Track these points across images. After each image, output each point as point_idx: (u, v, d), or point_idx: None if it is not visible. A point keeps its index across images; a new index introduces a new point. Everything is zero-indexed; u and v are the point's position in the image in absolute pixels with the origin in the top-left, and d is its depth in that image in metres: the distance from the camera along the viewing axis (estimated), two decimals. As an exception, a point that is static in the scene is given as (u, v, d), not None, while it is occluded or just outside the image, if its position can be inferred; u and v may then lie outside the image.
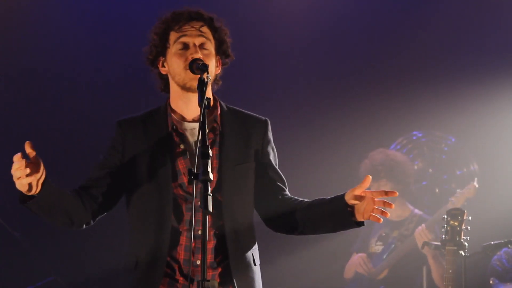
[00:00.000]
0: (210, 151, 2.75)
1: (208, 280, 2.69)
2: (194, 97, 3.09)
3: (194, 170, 2.77)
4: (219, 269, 3.12)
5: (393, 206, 2.96)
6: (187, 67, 3.10)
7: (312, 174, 6.31)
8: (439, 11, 6.64)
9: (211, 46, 3.18)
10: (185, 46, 3.15)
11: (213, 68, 3.18)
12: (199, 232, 3.06)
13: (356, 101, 6.68)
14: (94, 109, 6.31)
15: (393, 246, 5.95)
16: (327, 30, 6.78)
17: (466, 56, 6.56)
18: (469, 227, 4.72)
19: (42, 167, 2.88)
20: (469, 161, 6.45)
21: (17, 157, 2.83)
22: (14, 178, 2.87)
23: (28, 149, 2.85)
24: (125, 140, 3.19)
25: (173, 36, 3.18)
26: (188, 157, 3.14)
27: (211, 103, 3.19)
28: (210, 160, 2.75)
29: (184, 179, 3.11)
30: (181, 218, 3.11)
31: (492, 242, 4.81)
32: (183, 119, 3.19)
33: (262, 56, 6.59)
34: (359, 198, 3.00)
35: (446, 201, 5.50)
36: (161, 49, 3.20)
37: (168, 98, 3.24)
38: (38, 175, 2.87)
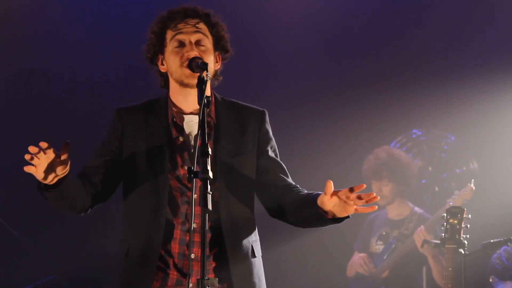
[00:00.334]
0: (209, 150, 2.76)
1: (208, 279, 2.69)
2: (192, 92, 3.10)
3: (194, 168, 2.77)
4: (216, 262, 3.11)
5: (378, 198, 2.91)
6: (183, 65, 3.11)
7: (313, 172, 6.31)
8: (439, 9, 6.65)
9: (208, 42, 3.19)
10: (181, 44, 3.16)
11: (212, 64, 3.18)
12: (194, 225, 3.05)
13: (356, 100, 6.68)
14: (94, 108, 6.32)
15: (393, 246, 5.95)
16: (327, 29, 6.79)
17: (466, 55, 6.56)
18: (468, 225, 4.72)
19: (67, 166, 2.87)
20: (468, 159, 6.45)
21: (34, 149, 2.80)
22: (28, 158, 2.81)
23: (65, 149, 2.84)
24: (124, 128, 3.19)
25: (169, 34, 3.19)
26: (186, 150, 3.15)
27: (211, 99, 3.22)
28: (209, 158, 2.75)
29: (181, 172, 3.12)
30: (176, 210, 3.11)
31: (491, 240, 4.81)
32: (182, 112, 3.20)
33: (262, 55, 6.59)
34: (331, 201, 2.93)
35: (444, 202, 5.48)
36: (159, 48, 3.22)
37: (169, 90, 3.26)
38: (60, 171, 2.86)
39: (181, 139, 3.17)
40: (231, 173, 3.14)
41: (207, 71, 2.98)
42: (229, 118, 3.22)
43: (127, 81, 6.36)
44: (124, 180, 3.20)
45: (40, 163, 2.81)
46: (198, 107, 2.86)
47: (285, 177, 3.23)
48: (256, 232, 3.24)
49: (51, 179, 2.87)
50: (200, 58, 3.09)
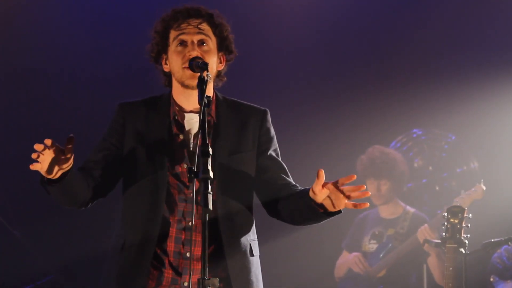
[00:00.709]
0: (210, 150, 2.76)
1: (209, 278, 2.69)
2: (194, 92, 3.10)
3: (194, 168, 2.77)
4: (213, 260, 3.05)
5: (369, 193, 2.91)
6: (185, 65, 3.11)
7: (313, 172, 6.30)
8: (439, 8, 6.64)
9: (211, 43, 3.18)
10: (183, 44, 3.16)
11: (214, 65, 3.18)
12: (190, 223, 3.08)
13: (356, 99, 6.68)
14: (94, 107, 6.32)
15: (390, 245, 5.94)
16: (328, 28, 6.78)
17: (466, 54, 6.55)
18: (469, 225, 4.72)
19: (71, 160, 2.87)
20: (469, 159, 6.44)
21: (39, 147, 2.79)
22: (35, 156, 2.81)
23: (69, 143, 2.84)
24: (126, 123, 3.19)
25: (172, 34, 3.19)
26: (185, 148, 3.15)
27: (213, 98, 3.22)
28: (210, 158, 2.75)
29: (180, 169, 3.12)
30: (173, 208, 3.11)
31: (492, 240, 4.80)
32: (183, 110, 3.20)
33: (262, 55, 6.59)
34: (323, 192, 2.92)
35: (450, 201, 5.45)
36: (162, 47, 3.22)
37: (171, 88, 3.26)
38: (64, 166, 2.86)
39: (181, 137, 3.17)
40: (229, 171, 3.13)
41: (207, 71, 2.97)
42: (229, 116, 3.22)
43: (127, 80, 6.36)
44: (124, 174, 3.19)
45: (45, 159, 2.81)
46: (199, 106, 2.85)
47: (284, 176, 3.21)
48: (254, 231, 3.23)
49: (55, 173, 2.86)
50: (201, 58, 3.08)
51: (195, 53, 3.11)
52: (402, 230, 5.93)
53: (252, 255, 3.18)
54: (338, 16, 6.77)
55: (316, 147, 6.64)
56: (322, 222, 3.07)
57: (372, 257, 5.97)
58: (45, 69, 6.50)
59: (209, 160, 2.74)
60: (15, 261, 6.27)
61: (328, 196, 2.94)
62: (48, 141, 2.80)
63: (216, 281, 2.71)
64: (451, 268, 4.68)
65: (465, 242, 4.68)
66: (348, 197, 2.92)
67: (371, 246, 6.01)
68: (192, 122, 3.18)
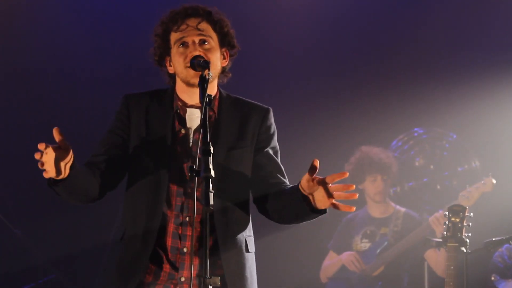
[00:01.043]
0: (211, 148, 2.76)
1: (211, 277, 2.69)
2: (198, 91, 3.06)
3: (195, 166, 2.77)
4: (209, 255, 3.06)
5: (357, 196, 2.88)
6: (188, 65, 3.11)
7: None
8: (441, 7, 6.64)
9: (212, 41, 3.18)
10: (185, 45, 3.16)
11: (218, 62, 3.19)
12: (187, 219, 3.09)
13: (357, 98, 6.68)
14: (94, 107, 6.33)
15: (386, 243, 5.94)
16: (329, 28, 6.78)
17: (467, 53, 6.55)
18: (470, 224, 4.71)
19: (70, 152, 2.86)
20: (470, 157, 6.44)
21: (42, 146, 2.78)
22: (40, 165, 2.80)
23: (57, 135, 2.82)
24: (131, 114, 3.20)
25: (173, 36, 3.20)
26: (186, 142, 3.15)
27: (216, 94, 3.23)
28: (211, 157, 2.75)
29: (179, 164, 3.12)
30: (171, 202, 3.11)
31: (493, 239, 4.80)
32: (185, 105, 3.21)
33: (262, 54, 6.58)
34: (312, 186, 2.90)
35: (451, 200, 5.43)
36: (164, 50, 3.23)
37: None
38: (67, 159, 2.85)
39: (183, 131, 3.18)
40: (226, 167, 3.13)
41: (208, 69, 2.99)
42: (231, 113, 3.22)
43: (128, 80, 6.36)
44: (129, 166, 3.20)
45: (49, 160, 2.80)
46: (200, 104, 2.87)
47: (278, 175, 3.21)
48: (250, 228, 3.23)
49: (63, 171, 2.85)
50: (202, 57, 3.09)
51: (196, 52, 3.12)
52: (396, 228, 5.95)
53: (247, 251, 3.17)
54: (339, 16, 6.77)
55: (316, 146, 6.63)
56: (309, 221, 3.05)
57: (366, 255, 5.97)
58: (45, 69, 6.50)
59: (210, 158, 2.74)
60: (16, 260, 6.27)
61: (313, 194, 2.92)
62: (41, 146, 2.78)
63: (217, 279, 2.72)
64: (452, 267, 4.68)
65: (466, 241, 4.68)
66: (332, 197, 2.89)
67: (363, 245, 6.01)
68: (193, 118, 3.19)
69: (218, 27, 3.20)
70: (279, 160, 3.27)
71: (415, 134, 6.57)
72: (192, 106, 3.19)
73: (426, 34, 6.65)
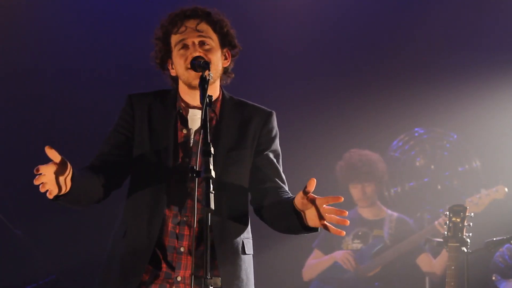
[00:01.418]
0: (212, 149, 2.76)
1: (211, 278, 2.69)
2: (199, 92, 3.10)
3: (196, 167, 2.77)
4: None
5: (348, 223, 2.85)
6: (189, 67, 3.12)
7: (314, 171, 6.30)
8: (441, 7, 6.64)
9: (212, 42, 3.18)
10: (185, 47, 3.16)
11: (219, 62, 3.19)
12: (185, 218, 3.09)
13: (358, 98, 6.68)
14: (95, 107, 6.33)
15: (382, 244, 5.93)
16: (329, 28, 6.79)
17: (468, 53, 6.55)
18: (471, 224, 4.71)
19: (68, 165, 2.85)
20: (471, 157, 6.44)
21: (38, 171, 2.76)
22: (42, 188, 2.78)
23: (51, 154, 2.79)
24: (135, 113, 3.21)
25: (173, 39, 3.20)
26: (187, 142, 3.15)
27: (219, 96, 3.23)
28: (212, 158, 2.75)
29: (180, 164, 3.12)
30: (170, 201, 3.11)
31: (494, 239, 4.80)
32: (188, 105, 3.21)
33: (262, 54, 6.58)
34: (306, 204, 2.87)
35: (452, 200, 5.40)
36: (165, 53, 3.23)
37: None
38: (66, 173, 2.85)
39: (184, 131, 3.18)
40: (225, 167, 3.13)
41: (209, 70, 2.99)
42: (233, 115, 3.22)
43: (128, 80, 6.36)
44: (132, 163, 3.20)
45: (49, 179, 2.79)
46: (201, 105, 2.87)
47: (276, 179, 3.20)
48: (249, 230, 3.23)
49: (63, 187, 2.85)
50: (202, 58, 3.09)
51: (196, 53, 3.12)
52: (391, 230, 5.95)
53: (244, 253, 3.17)
54: (340, 16, 6.77)
55: (317, 146, 6.63)
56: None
57: (360, 255, 5.95)
58: (45, 69, 6.50)
59: (211, 159, 2.74)
60: (17, 261, 6.27)
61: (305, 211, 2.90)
62: (37, 171, 2.77)
63: (218, 280, 2.72)
64: (453, 267, 4.68)
65: (467, 241, 4.67)
66: (324, 218, 2.86)
67: (355, 245, 6.01)
68: (195, 118, 3.19)
69: (218, 27, 3.20)
70: (279, 164, 3.26)
71: (416, 134, 6.57)
72: (194, 107, 3.20)
73: (427, 34, 6.65)
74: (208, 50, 3.15)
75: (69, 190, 2.88)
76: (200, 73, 3.00)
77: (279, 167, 3.24)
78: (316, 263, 6.09)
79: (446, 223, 4.76)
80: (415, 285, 5.96)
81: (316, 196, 2.85)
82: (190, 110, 3.20)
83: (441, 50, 6.67)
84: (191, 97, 3.20)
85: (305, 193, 2.83)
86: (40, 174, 2.76)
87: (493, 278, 5.33)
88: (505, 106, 6.43)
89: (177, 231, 3.10)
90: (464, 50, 6.58)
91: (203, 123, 2.81)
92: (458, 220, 4.71)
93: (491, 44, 6.52)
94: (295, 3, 6.76)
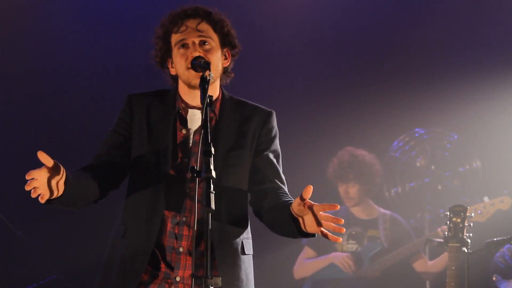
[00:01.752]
0: (212, 149, 2.75)
1: (212, 277, 2.69)
2: (199, 92, 3.05)
3: (197, 167, 2.76)
4: (203, 258, 2.98)
5: (344, 230, 2.86)
6: (189, 67, 3.11)
7: (314, 172, 6.31)
8: (441, 7, 6.64)
9: (212, 41, 3.18)
10: (185, 46, 3.16)
11: (219, 62, 3.18)
12: (184, 218, 3.09)
13: (358, 99, 6.68)
14: (94, 108, 6.33)
15: (380, 248, 5.92)
16: (329, 28, 6.78)
17: (468, 53, 6.55)
18: (471, 224, 4.71)
19: (61, 169, 2.85)
20: (471, 158, 6.44)
21: (30, 176, 2.78)
22: (33, 193, 2.81)
23: (43, 158, 2.80)
24: (134, 113, 3.21)
25: (173, 38, 3.20)
26: (186, 142, 3.15)
27: (218, 96, 3.23)
28: (212, 158, 2.75)
29: (179, 164, 3.12)
30: (169, 202, 3.11)
31: (495, 239, 4.79)
32: (188, 105, 3.21)
33: (262, 54, 6.58)
34: (303, 210, 2.87)
35: (452, 201, 5.38)
36: (165, 52, 3.23)
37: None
38: (59, 177, 2.86)
39: (183, 131, 3.18)
40: (224, 167, 3.13)
41: (209, 70, 2.99)
42: (232, 115, 3.22)
43: (128, 80, 6.36)
44: (131, 164, 3.20)
45: (41, 184, 2.81)
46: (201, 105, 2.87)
47: (275, 180, 3.19)
48: (248, 230, 3.22)
49: (55, 190, 2.86)
50: (203, 58, 3.09)
51: (196, 53, 3.12)
52: (386, 231, 5.95)
53: (243, 253, 3.16)
54: (340, 16, 6.76)
55: (317, 146, 6.63)
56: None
57: (357, 258, 5.94)
58: (45, 68, 6.50)
59: (211, 159, 2.74)
60: (17, 261, 6.27)
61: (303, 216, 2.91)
62: (29, 176, 2.78)
63: (218, 280, 2.71)
64: (453, 267, 4.67)
65: (468, 241, 4.67)
66: (321, 225, 2.87)
67: (350, 246, 6.00)
68: (194, 119, 3.19)
69: (218, 27, 3.20)
70: (279, 165, 3.25)
71: (416, 135, 6.57)
72: (193, 107, 3.19)
73: (427, 34, 6.64)
74: (208, 51, 3.15)
75: (61, 194, 2.88)
76: (201, 73, 2.99)
77: (278, 168, 3.24)
78: (310, 262, 6.08)
79: (446, 223, 4.76)
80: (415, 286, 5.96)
81: (313, 203, 2.86)
82: (190, 110, 3.20)
83: (442, 50, 6.67)
84: (190, 97, 3.19)
85: (302, 199, 2.84)
86: (32, 179, 2.77)
87: (494, 278, 5.33)
88: (505, 106, 6.43)
89: (176, 231, 3.10)
90: (465, 50, 6.58)
91: (203, 122, 2.81)
92: (459, 220, 4.71)
93: (492, 45, 6.52)
94: (295, 3, 6.76)
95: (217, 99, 3.22)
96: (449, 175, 6.48)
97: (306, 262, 6.11)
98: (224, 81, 3.28)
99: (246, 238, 3.20)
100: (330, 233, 2.87)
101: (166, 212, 3.10)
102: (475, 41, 6.59)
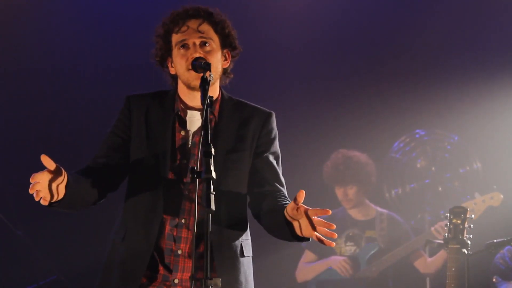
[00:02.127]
0: (212, 150, 2.75)
1: (211, 278, 2.68)
2: (199, 94, 3.05)
3: (197, 168, 2.76)
4: (202, 260, 2.96)
5: (336, 236, 2.86)
6: (190, 68, 3.11)
7: (314, 172, 6.31)
8: (442, 8, 6.64)
9: (213, 43, 3.17)
10: (186, 47, 3.16)
11: (218, 64, 3.18)
12: (183, 220, 3.09)
13: (359, 100, 6.68)
14: (94, 107, 6.33)
15: (376, 249, 5.91)
16: (330, 29, 6.78)
17: (469, 55, 6.55)
18: (472, 225, 4.71)
19: (63, 173, 2.86)
20: (472, 159, 6.43)
21: (33, 179, 2.79)
22: (36, 196, 2.82)
23: (46, 162, 2.81)
24: (133, 115, 3.20)
25: (174, 38, 3.19)
26: (185, 144, 3.15)
27: (218, 96, 3.22)
28: (212, 159, 2.74)
29: (177, 165, 3.12)
30: (168, 204, 3.10)
31: (495, 240, 4.79)
32: (187, 107, 3.20)
33: (262, 55, 6.58)
34: (297, 214, 2.87)
35: (453, 202, 5.39)
36: (166, 51, 3.22)
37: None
38: (60, 180, 2.86)
39: (182, 133, 3.17)
40: (224, 169, 3.12)
41: (210, 71, 2.98)
42: (232, 116, 3.21)
43: (128, 80, 6.35)
44: (130, 165, 3.20)
45: (42, 187, 2.82)
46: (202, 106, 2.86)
47: (274, 183, 3.19)
48: (247, 232, 3.22)
49: (56, 194, 2.87)
50: (203, 59, 3.08)
51: (197, 54, 3.11)
52: (383, 232, 5.94)
53: (242, 255, 3.16)
54: (340, 17, 6.76)
55: (317, 147, 6.63)
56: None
57: (355, 260, 5.93)
58: (45, 68, 6.50)
59: (211, 160, 2.73)
60: (17, 261, 6.27)
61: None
62: (33, 179, 2.79)
63: (218, 281, 2.71)
64: (453, 269, 4.67)
65: (468, 243, 4.67)
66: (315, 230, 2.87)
67: (349, 248, 5.99)
68: (194, 120, 3.18)
69: (219, 28, 3.19)
70: (279, 166, 3.25)
71: (417, 136, 6.57)
72: (192, 108, 3.19)
73: (428, 36, 6.64)
74: (209, 52, 3.14)
75: (62, 197, 2.89)
76: (201, 74, 2.99)
77: (278, 170, 3.23)
78: (310, 267, 6.08)
79: (446, 225, 4.76)
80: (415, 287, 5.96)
81: (306, 207, 2.85)
82: (189, 112, 3.19)
83: (442, 52, 6.67)
84: (190, 98, 3.19)
85: (296, 203, 2.83)
86: (35, 182, 2.77)
87: (494, 280, 5.32)
88: (506, 108, 6.43)
89: (174, 233, 3.10)
90: (465, 51, 6.58)
91: (203, 123, 2.81)
92: (459, 222, 4.70)
93: (492, 46, 6.52)
94: (295, 3, 6.76)
95: (216, 100, 3.21)
96: (450, 176, 6.47)
97: (306, 267, 6.11)
98: (224, 82, 3.27)
99: (245, 240, 3.19)
100: (325, 239, 2.87)
101: (164, 215, 3.10)
102: (476, 43, 6.59)
